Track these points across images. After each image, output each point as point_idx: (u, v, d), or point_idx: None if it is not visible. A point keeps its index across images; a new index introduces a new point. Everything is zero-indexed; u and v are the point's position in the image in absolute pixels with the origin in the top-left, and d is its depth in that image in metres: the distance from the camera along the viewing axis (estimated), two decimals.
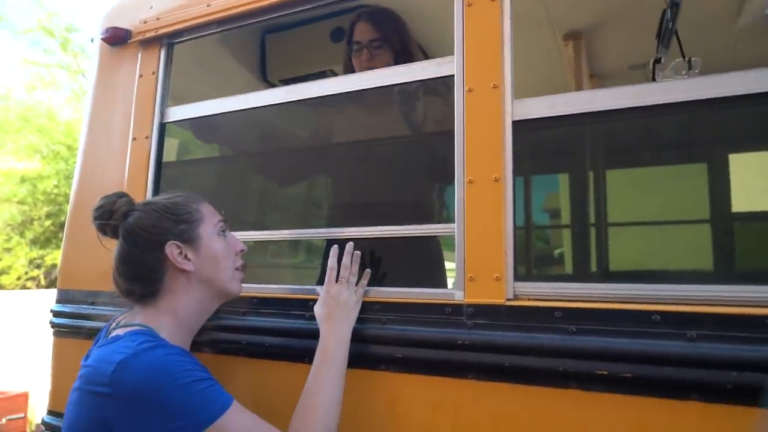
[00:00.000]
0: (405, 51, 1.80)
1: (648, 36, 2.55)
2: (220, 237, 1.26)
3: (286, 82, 2.63)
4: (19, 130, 11.22)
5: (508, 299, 1.13)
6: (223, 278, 1.24)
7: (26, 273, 11.33)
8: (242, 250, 1.31)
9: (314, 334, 1.24)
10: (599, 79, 3.02)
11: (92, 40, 2.09)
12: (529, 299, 1.12)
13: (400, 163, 1.40)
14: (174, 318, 1.19)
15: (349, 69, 1.87)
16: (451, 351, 1.13)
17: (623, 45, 2.73)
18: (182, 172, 1.73)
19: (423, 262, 1.62)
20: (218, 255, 1.23)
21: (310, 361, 1.21)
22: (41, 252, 11.18)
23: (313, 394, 1.14)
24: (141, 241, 1.20)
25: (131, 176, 1.70)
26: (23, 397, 5.21)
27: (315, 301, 1.30)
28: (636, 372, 0.98)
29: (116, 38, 1.83)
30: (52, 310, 1.80)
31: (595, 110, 1.14)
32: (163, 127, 1.72)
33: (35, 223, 11.07)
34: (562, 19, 2.39)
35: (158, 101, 1.72)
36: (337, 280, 1.28)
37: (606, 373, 1.00)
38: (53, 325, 1.78)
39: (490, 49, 1.23)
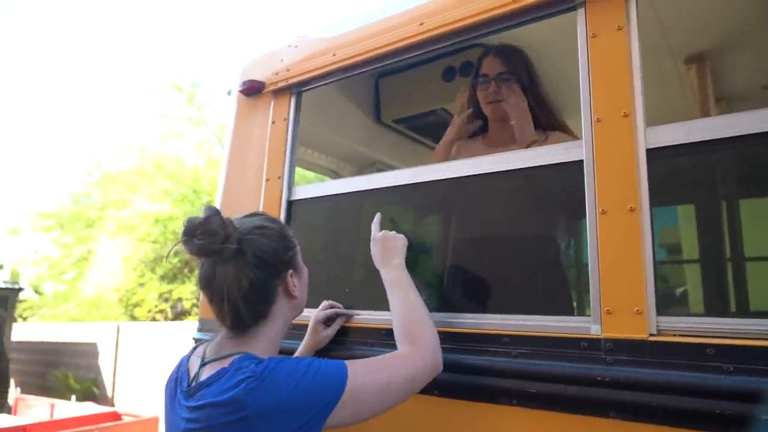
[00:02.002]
0: (532, 84, 1.82)
1: None
2: (303, 264, 1.31)
3: (399, 121, 2.75)
4: (154, 176, 12.64)
5: (651, 334, 1.07)
6: (306, 298, 1.31)
7: (156, 306, 12.48)
8: None
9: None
10: (727, 103, 2.81)
11: (229, 93, 2.33)
12: (674, 335, 1.06)
13: (525, 197, 1.40)
14: (270, 343, 1.20)
15: (474, 101, 1.93)
16: (590, 388, 1.09)
17: (754, 65, 2.55)
18: (311, 209, 1.84)
19: (550, 287, 1.56)
20: (306, 278, 1.31)
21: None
22: (169, 287, 12.30)
23: (407, 320, 1.27)
24: (266, 266, 1.17)
25: (265, 212, 1.84)
26: (154, 422, 5.66)
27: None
28: None
29: (252, 90, 2.03)
30: (194, 338, 1.96)
31: (736, 135, 1.07)
32: (292, 172, 1.86)
33: (164, 260, 12.25)
34: (683, 43, 2.29)
35: (289, 144, 1.87)
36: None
37: None
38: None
39: (618, 78, 1.22)
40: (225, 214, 1.15)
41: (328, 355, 1.49)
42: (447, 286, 1.52)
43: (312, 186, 1.83)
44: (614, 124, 1.20)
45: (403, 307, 1.30)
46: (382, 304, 1.48)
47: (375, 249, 1.47)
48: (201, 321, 1.97)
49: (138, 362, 10.13)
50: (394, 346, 1.40)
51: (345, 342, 1.51)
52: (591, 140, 1.22)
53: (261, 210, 1.86)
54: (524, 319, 1.24)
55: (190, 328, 9.17)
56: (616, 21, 1.25)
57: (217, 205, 2.06)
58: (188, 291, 12.20)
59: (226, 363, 1.10)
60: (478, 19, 1.42)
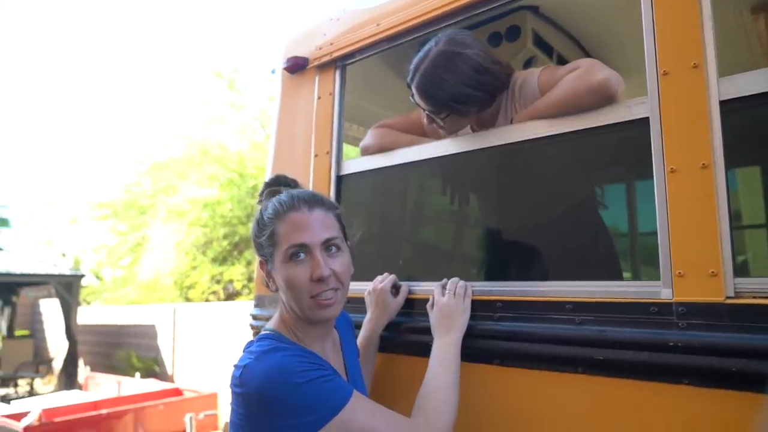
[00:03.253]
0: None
1: None
2: (291, 263, 1.14)
3: None
4: (200, 163, 12.96)
5: (728, 297, 1.01)
6: (298, 306, 1.15)
7: (208, 288, 12.91)
8: (319, 279, 1.13)
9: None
10: None
11: (273, 72, 2.34)
12: (754, 297, 1.00)
13: (587, 160, 1.35)
14: (286, 325, 1.19)
15: None
16: (662, 353, 1.05)
17: None
18: (361, 183, 1.84)
19: (600, 249, 1.50)
20: (286, 284, 1.15)
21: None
22: (220, 269, 12.69)
23: (432, 396, 1.18)
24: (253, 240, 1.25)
25: (315, 189, 1.84)
26: (213, 397, 5.90)
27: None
28: None
29: (296, 66, 2.02)
30: (251, 314, 2.01)
31: None
32: (340, 147, 1.85)
33: (214, 243, 12.62)
34: None
35: (335, 119, 1.86)
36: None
37: None
38: (252, 327, 1.99)
39: (687, 27, 1.14)
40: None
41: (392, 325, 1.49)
42: (506, 255, 1.48)
43: (361, 160, 1.82)
44: (683, 76, 1.12)
45: (436, 383, 1.21)
46: (436, 275, 1.47)
47: (437, 313, 1.34)
48: (257, 297, 2.01)
49: (194, 341, 10.56)
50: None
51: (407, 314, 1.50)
52: (657, 95, 1.15)
53: (311, 187, 1.86)
54: (588, 285, 1.20)
55: (241, 308, 9.46)
56: None
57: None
58: (238, 273, 12.55)
59: (256, 336, 1.20)
60: None
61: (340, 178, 1.81)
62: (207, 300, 12.90)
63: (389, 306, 1.50)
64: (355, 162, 1.87)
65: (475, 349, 1.32)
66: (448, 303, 1.33)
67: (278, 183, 1.33)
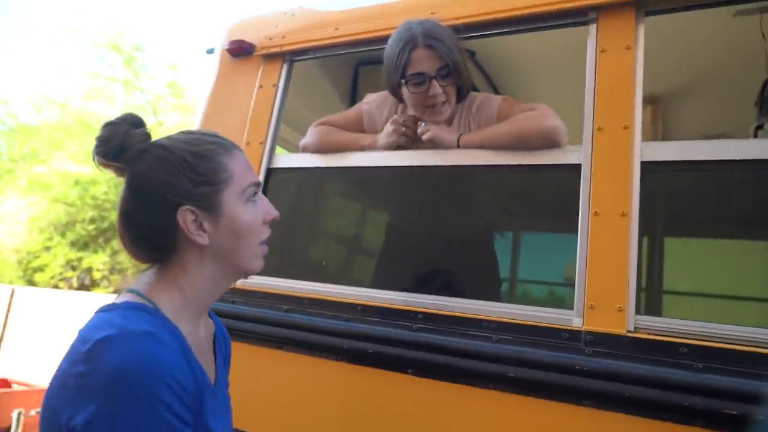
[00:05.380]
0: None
1: (728, 106, 2.61)
2: (249, 204, 1.01)
3: None
4: (80, 135, 11.77)
5: (629, 330, 1.15)
6: (243, 255, 1.01)
7: (60, 273, 11.58)
8: (273, 219, 1.05)
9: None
10: None
11: (210, 51, 2.24)
12: (649, 333, 1.14)
13: (520, 192, 1.46)
14: (180, 295, 0.97)
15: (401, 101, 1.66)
16: (568, 375, 1.15)
17: (701, 113, 2.80)
18: (291, 178, 1.81)
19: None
20: (242, 228, 0.99)
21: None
22: (79, 254, 11.46)
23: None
24: (149, 198, 0.95)
25: None
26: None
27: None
28: None
29: (240, 50, 1.96)
30: None
31: (730, 159, 1.18)
32: (275, 139, 1.81)
33: (78, 225, 11.41)
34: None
35: (275, 110, 1.82)
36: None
37: (735, 413, 1.00)
38: None
39: (622, 92, 1.30)
40: None
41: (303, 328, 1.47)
42: (430, 269, 1.54)
43: (295, 156, 1.80)
44: (614, 133, 1.28)
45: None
46: (358, 279, 1.48)
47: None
48: None
49: (32, 330, 9.34)
50: (368, 322, 1.40)
51: (321, 315, 1.49)
52: (591, 146, 1.30)
53: None
54: (508, 307, 1.29)
55: (98, 300, 8.58)
56: (625, 40, 1.33)
57: None
58: (100, 261, 11.43)
59: (121, 299, 0.94)
60: (495, 16, 1.46)
61: (270, 171, 1.77)
62: (56, 287, 11.54)
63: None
64: (289, 157, 1.85)
65: (392, 356, 1.34)
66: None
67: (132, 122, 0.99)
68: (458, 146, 1.48)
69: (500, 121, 1.50)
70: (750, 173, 1.22)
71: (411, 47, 1.48)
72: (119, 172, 0.97)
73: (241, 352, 1.57)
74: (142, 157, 0.95)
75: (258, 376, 1.54)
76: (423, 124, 1.57)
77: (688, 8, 1.35)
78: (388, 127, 1.61)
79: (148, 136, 0.98)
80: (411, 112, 1.63)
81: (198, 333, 1.03)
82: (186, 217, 0.94)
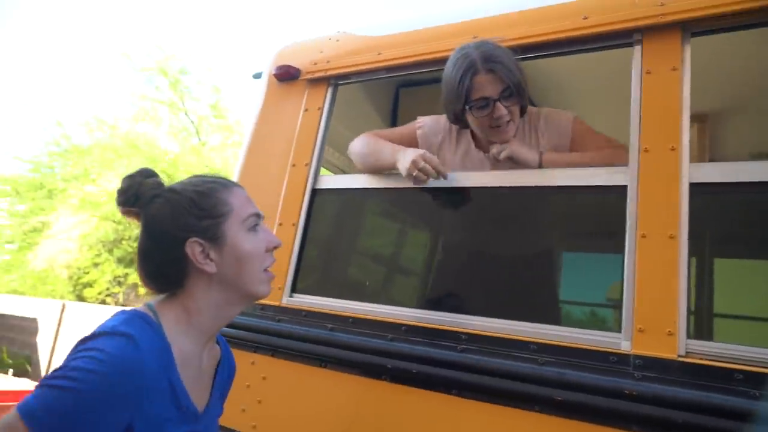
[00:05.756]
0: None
1: None
2: (250, 233, 1.11)
3: None
4: (130, 155, 12.27)
5: (680, 355, 1.13)
6: (248, 281, 1.10)
7: (107, 289, 11.99)
8: (275, 247, 1.15)
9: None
10: None
11: (256, 76, 2.34)
12: (701, 358, 1.11)
13: (566, 214, 1.46)
14: (185, 316, 1.07)
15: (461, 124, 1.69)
16: (616, 400, 1.13)
17: (749, 132, 2.72)
18: (336, 198, 1.85)
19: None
20: (244, 255, 1.09)
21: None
22: (125, 270, 11.87)
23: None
24: (160, 235, 1.08)
25: (287, 198, 1.84)
26: None
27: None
28: None
29: (287, 75, 2.04)
30: None
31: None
32: (320, 161, 1.86)
33: (124, 242, 11.84)
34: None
35: (320, 133, 1.88)
36: None
37: None
38: None
39: (668, 114, 1.29)
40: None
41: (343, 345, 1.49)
42: (475, 289, 1.55)
43: (339, 177, 1.85)
44: (661, 155, 1.27)
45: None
46: (400, 299, 1.50)
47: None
48: None
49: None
50: (412, 342, 1.41)
51: (365, 334, 1.51)
52: (637, 167, 1.29)
53: (283, 195, 1.85)
54: (554, 329, 1.28)
55: None
56: (671, 62, 1.33)
57: None
58: None
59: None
60: (540, 39, 1.48)
61: (315, 191, 1.82)
62: (103, 302, 11.95)
63: None
64: (333, 178, 1.90)
65: (436, 377, 1.35)
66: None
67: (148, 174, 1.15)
68: (540, 165, 1.49)
69: (576, 142, 1.53)
70: None
71: (472, 73, 1.49)
72: (137, 217, 1.11)
73: (284, 370, 1.62)
74: (154, 201, 1.09)
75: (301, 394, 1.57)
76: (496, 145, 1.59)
77: (733, 28, 1.34)
78: (411, 156, 1.54)
79: (159, 184, 1.11)
80: (478, 132, 1.65)
81: (199, 356, 1.12)
82: (194, 248, 1.06)
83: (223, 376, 1.23)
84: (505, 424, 1.24)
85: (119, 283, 12.03)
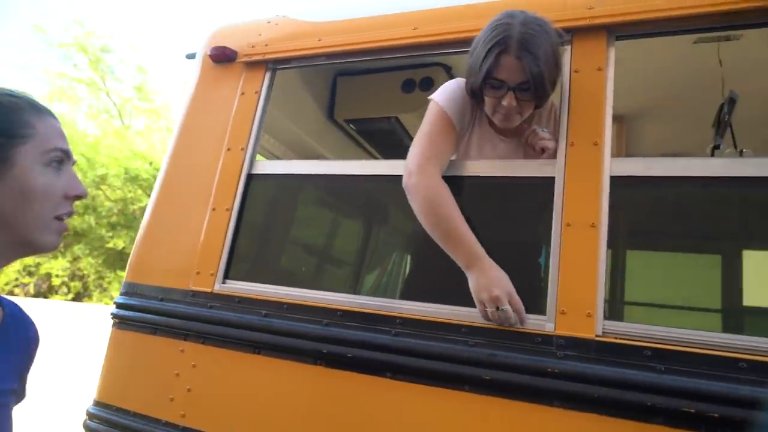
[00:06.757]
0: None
1: (686, 127, 2.77)
2: (49, 169, 0.91)
3: (350, 122, 2.80)
4: None
5: (597, 335, 1.21)
6: (31, 224, 0.89)
7: (16, 279, 11.14)
8: (77, 196, 0.95)
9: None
10: None
11: (189, 56, 2.25)
12: (616, 337, 1.21)
13: (499, 203, 1.52)
14: None
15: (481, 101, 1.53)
16: (540, 378, 1.20)
17: (662, 133, 2.95)
18: (272, 184, 1.83)
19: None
20: (32, 191, 0.88)
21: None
22: (37, 259, 11.04)
23: None
24: None
25: (221, 183, 1.79)
26: None
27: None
28: (723, 413, 1.05)
29: (222, 57, 1.98)
30: (116, 302, 1.84)
31: (693, 176, 1.27)
32: (256, 146, 1.83)
33: None
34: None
35: (257, 117, 1.85)
36: None
37: (693, 411, 1.07)
38: (115, 316, 1.82)
39: (593, 111, 1.38)
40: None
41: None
42: (411, 278, 1.58)
43: (275, 162, 1.82)
44: (585, 149, 1.35)
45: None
46: (336, 285, 1.51)
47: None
48: (127, 284, 1.85)
49: None
50: (348, 326, 1.43)
51: (300, 320, 1.51)
52: (564, 160, 1.37)
53: (217, 180, 1.80)
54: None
55: (54, 308, 8.28)
56: (597, 62, 1.42)
57: (164, 166, 1.97)
58: (60, 267, 11.05)
59: None
60: (469, 35, 1.52)
61: (250, 176, 1.79)
62: (11, 293, 11.09)
63: None
64: (269, 163, 1.86)
65: (370, 360, 1.38)
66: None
67: None
68: None
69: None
70: (707, 189, 1.31)
71: (502, 50, 1.37)
72: None
73: (215, 357, 1.59)
74: None
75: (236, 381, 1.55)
76: (544, 129, 1.53)
77: (653, 34, 1.45)
78: (495, 291, 1.31)
79: None
80: (486, 108, 1.52)
81: None
82: None
83: (11, 338, 0.96)
84: (437, 404, 1.29)
85: (30, 273, 11.22)
